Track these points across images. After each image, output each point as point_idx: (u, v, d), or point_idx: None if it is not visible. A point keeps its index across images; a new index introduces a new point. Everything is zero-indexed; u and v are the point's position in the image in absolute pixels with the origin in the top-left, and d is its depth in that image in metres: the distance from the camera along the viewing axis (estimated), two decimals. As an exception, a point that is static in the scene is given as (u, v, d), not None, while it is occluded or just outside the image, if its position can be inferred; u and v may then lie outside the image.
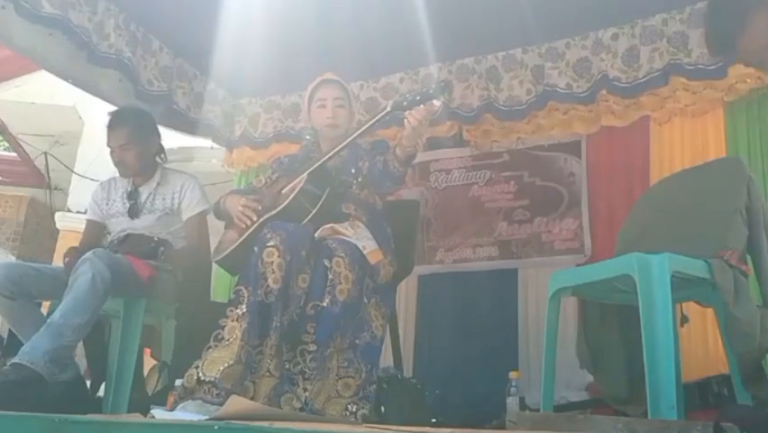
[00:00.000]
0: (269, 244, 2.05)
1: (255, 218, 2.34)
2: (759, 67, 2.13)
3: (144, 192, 2.73)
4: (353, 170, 2.42)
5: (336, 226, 2.24)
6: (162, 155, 2.83)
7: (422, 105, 2.15)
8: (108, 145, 2.72)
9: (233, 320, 1.98)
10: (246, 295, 2.00)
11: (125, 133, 2.70)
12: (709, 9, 1.89)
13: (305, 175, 2.31)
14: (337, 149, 2.33)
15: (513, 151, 3.81)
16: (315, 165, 2.33)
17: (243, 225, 2.37)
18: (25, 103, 6.37)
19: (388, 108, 2.25)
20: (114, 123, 2.72)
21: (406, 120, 2.14)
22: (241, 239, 2.34)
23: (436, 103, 2.20)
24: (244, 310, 1.98)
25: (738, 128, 3.04)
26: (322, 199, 2.27)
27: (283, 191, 2.36)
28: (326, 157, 2.34)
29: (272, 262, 2.03)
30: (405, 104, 2.21)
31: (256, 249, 2.06)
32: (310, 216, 2.24)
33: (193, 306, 2.60)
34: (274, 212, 2.30)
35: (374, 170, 2.34)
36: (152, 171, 2.77)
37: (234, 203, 2.43)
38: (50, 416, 1.43)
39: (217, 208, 2.55)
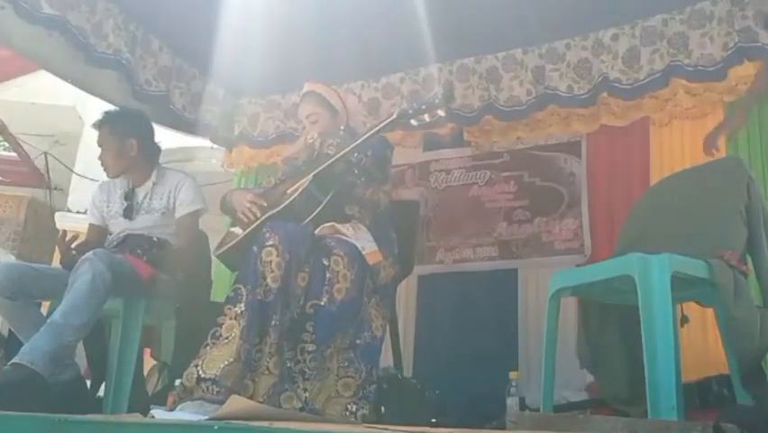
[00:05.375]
0: (267, 244, 2.04)
1: (259, 214, 2.33)
2: None
3: (141, 193, 2.73)
4: (356, 171, 2.42)
5: (337, 225, 2.24)
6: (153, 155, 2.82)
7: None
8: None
9: (231, 318, 1.98)
10: (245, 294, 2.00)
11: (101, 134, 2.73)
12: None
13: (310, 176, 2.30)
14: (342, 153, 2.32)
15: (513, 151, 3.81)
16: (320, 168, 2.33)
17: (246, 220, 2.36)
18: (25, 103, 6.38)
19: (394, 116, 2.30)
20: (94, 125, 2.77)
21: None
22: (242, 235, 2.33)
23: (441, 113, 2.25)
24: (243, 309, 1.98)
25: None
26: (324, 202, 2.27)
27: (287, 192, 2.35)
28: (330, 160, 2.33)
29: (271, 262, 2.02)
30: (410, 112, 2.30)
31: (255, 248, 2.06)
32: (311, 217, 2.24)
33: (193, 306, 2.60)
34: (275, 210, 2.30)
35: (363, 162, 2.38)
36: (148, 172, 2.76)
37: (241, 198, 2.43)
38: (50, 416, 1.43)
39: (223, 203, 2.55)
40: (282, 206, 2.29)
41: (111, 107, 2.91)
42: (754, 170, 2.72)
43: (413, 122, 2.32)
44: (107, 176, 2.78)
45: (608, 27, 3.23)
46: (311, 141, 2.50)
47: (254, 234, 2.22)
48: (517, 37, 3.37)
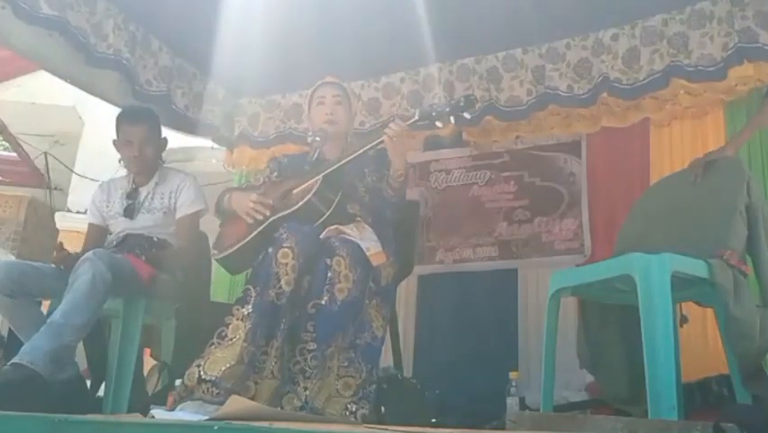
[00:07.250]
0: (284, 245, 2.03)
1: (268, 214, 2.28)
2: None
3: (144, 192, 2.73)
4: (358, 174, 2.42)
5: (341, 228, 2.23)
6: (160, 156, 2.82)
7: (403, 122, 2.21)
8: (126, 140, 2.68)
9: (237, 319, 1.97)
10: (254, 295, 1.99)
11: (147, 128, 2.71)
12: None
13: (320, 177, 2.27)
14: (358, 152, 2.29)
15: (513, 151, 3.81)
16: (332, 168, 2.29)
17: (251, 221, 2.30)
18: (25, 103, 6.38)
19: (416, 117, 2.25)
20: (135, 118, 2.71)
21: (386, 136, 2.19)
22: (247, 238, 2.30)
23: (467, 116, 2.21)
24: (250, 310, 1.97)
25: (738, 129, 3.03)
26: (335, 202, 2.25)
27: (294, 192, 2.32)
28: (345, 160, 2.30)
29: (286, 264, 2.01)
30: (433, 114, 2.23)
31: (270, 249, 2.04)
32: (323, 219, 2.22)
33: (193, 306, 2.59)
34: (287, 212, 2.26)
35: (374, 192, 2.38)
36: (154, 171, 2.76)
37: (243, 199, 2.36)
38: (50, 416, 1.43)
39: (219, 205, 2.49)
40: (296, 207, 2.25)
41: (136, 105, 2.90)
42: (754, 170, 2.72)
43: (438, 123, 2.27)
44: (137, 171, 2.74)
45: (608, 27, 3.23)
46: (331, 116, 2.47)
47: (260, 237, 2.20)
48: (517, 37, 3.37)
